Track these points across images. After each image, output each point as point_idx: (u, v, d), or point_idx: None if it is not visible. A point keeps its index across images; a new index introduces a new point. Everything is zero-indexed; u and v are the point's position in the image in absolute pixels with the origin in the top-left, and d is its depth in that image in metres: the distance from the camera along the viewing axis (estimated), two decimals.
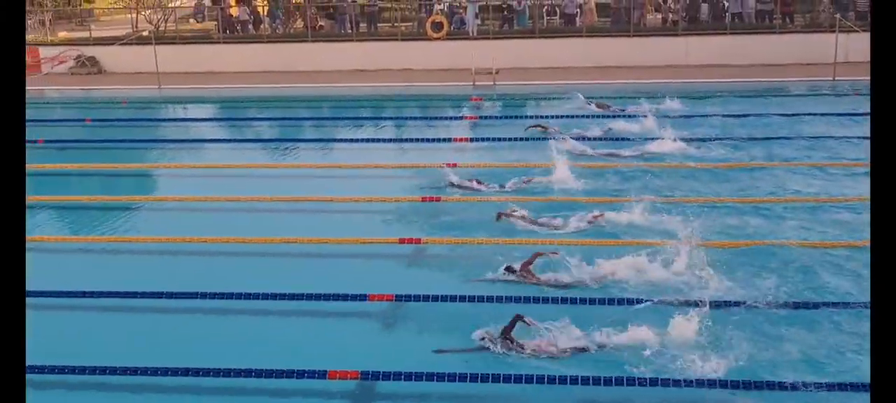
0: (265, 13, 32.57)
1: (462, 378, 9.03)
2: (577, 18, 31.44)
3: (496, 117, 22.25)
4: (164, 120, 24.67)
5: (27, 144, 19.88)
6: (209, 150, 20.29)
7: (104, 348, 10.26)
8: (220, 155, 19.83)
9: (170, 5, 32.35)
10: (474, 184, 15.84)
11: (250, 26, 32.26)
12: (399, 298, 11.17)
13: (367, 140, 20.31)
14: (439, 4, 31.84)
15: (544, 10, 32.14)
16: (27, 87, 26.90)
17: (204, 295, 11.25)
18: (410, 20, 32.78)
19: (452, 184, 15.90)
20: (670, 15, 31.95)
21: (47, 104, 26.89)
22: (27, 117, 21.19)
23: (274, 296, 11.18)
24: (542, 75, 27.43)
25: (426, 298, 11.06)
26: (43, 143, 20.84)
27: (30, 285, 11.79)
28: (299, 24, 32.30)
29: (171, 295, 11.40)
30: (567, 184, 15.69)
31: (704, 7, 30.96)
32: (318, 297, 11.19)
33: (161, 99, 26.46)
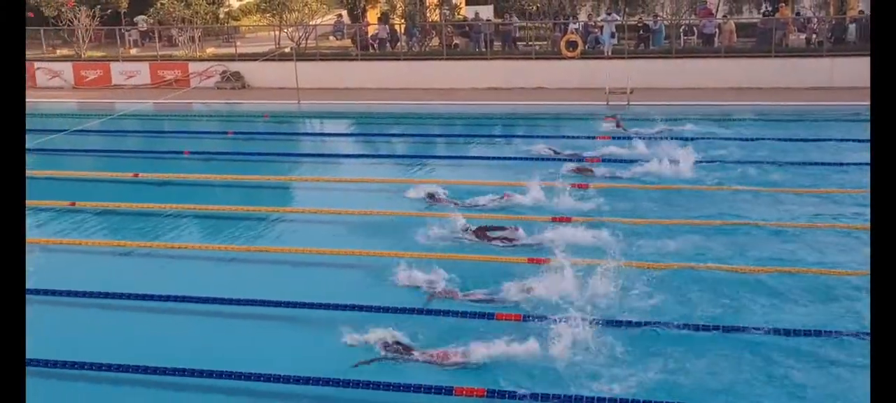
0: (402, 31, 33.14)
1: None
2: (716, 38, 30.76)
3: (628, 138, 21.97)
4: (302, 134, 25.40)
5: (175, 155, 20.96)
6: (344, 164, 20.77)
7: (243, 353, 10.64)
8: (354, 169, 20.27)
9: (311, 23, 33.28)
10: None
11: (387, 44, 32.88)
12: (526, 317, 11.23)
13: (497, 158, 20.34)
14: (574, 24, 31.70)
15: (681, 29, 31.59)
16: (175, 100, 28.25)
17: (336, 307, 11.53)
18: (545, 39, 32.75)
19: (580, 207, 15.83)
20: (814, 35, 30.88)
21: (194, 117, 28.09)
22: (175, 129, 22.36)
23: (398, 310, 11.34)
24: (678, 96, 26.94)
25: (554, 318, 11.01)
26: (189, 155, 21.80)
27: (174, 290, 12.43)
28: (435, 41, 32.73)
29: (306, 306, 11.73)
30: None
31: (852, 27, 29.78)
32: (447, 313, 11.31)
33: (300, 113, 27.25)
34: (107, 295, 12.68)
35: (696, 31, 31.62)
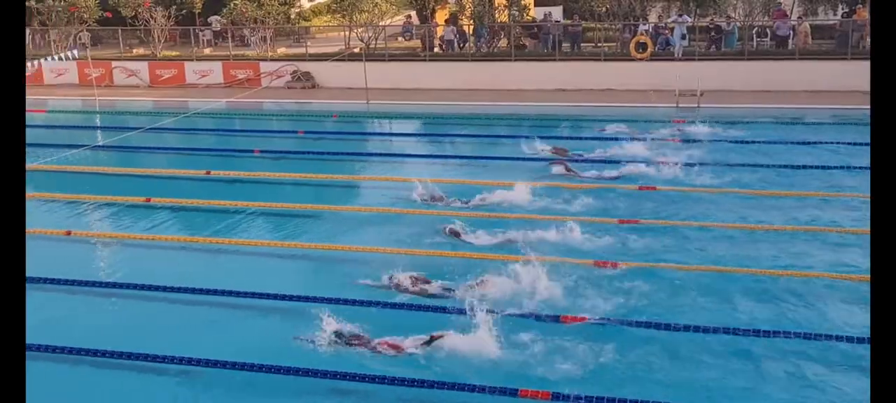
0: (470, 32, 33.21)
1: None
2: (790, 40, 30.19)
3: (698, 140, 21.72)
4: (370, 133, 25.62)
5: (246, 153, 21.26)
6: (411, 164, 20.89)
7: (309, 347, 10.82)
8: (421, 168, 20.37)
9: (380, 24, 33.55)
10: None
11: (455, 45, 32.98)
12: (592, 322, 11.21)
13: (564, 159, 20.24)
14: (644, 25, 31.41)
15: (754, 31, 31.08)
16: (246, 99, 28.73)
17: (411, 307, 11.66)
18: (614, 40, 32.52)
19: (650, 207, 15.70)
20: None
21: (265, 116, 28.53)
22: (246, 128, 22.68)
23: (463, 312, 11.39)
24: (750, 98, 26.53)
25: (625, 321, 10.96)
26: (259, 153, 22.17)
27: (244, 286, 12.66)
28: (503, 42, 32.73)
29: (370, 304, 11.87)
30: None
31: None
32: (516, 315, 11.36)
33: (368, 113, 27.50)
34: (178, 290, 12.98)
35: (769, 33, 31.07)
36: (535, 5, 36.60)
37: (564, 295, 12.23)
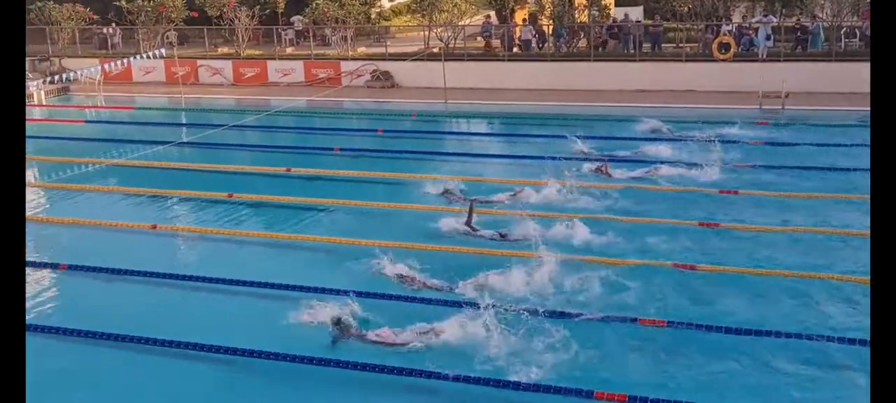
0: (550, 32, 33.08)
1: None
2: None
3: (781, 144, 21.29)
4: (448, 132, 25.68)
5: (326, 151, 21.50)
6: (488, 163, 20.90)
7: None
8: (498, 168, 20.38)
9: (459, 24, 33.65)
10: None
11: (534, 44, 32.88)
12: (671, 324, 11.11)
13: (640, 162, 20.00)
14: (727, 25, 30.87)
15: (842, 31, 30.28)
16: (327, 98, 29.10)
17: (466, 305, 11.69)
18: (696, 41, 32.04)
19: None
20: None
21: (345, 115, 28.86)
22: (326, 126, 22.93)
23: (544, 313, 11.38)
24: (838, 101, 25.87)
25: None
26: (339, 151, 22.44)
27: (322, 282, 12.85)
28: (583, 43, 32.51)
29: (452, 304, 11.94)
30: None
31: None
32: (589, 319, 11.32)
33: (446, 113, 27.59)
34: (259, 285, 13.24)
35: (857, 34, 30.24)
36: (616, 5, 36.27)
37: (642, 297, 12.15)
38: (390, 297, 12.48)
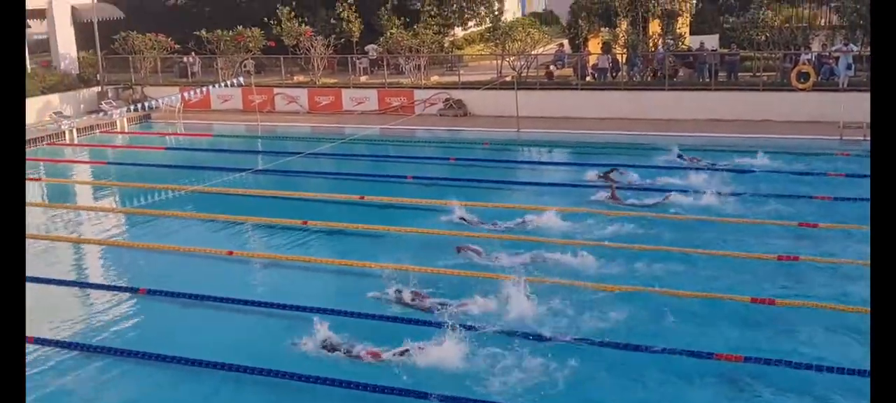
0: (624, 61, 32.89)
1: None
2: None
3: (863, 176, 20.77)
4: (520, 162, 25.63)
5: (399, 179, 21.66)
6: (560, 193, 20.77)
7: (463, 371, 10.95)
8: (571, 198, 20.25)
9: (532, 53, 33.67)
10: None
11: (608, 73, 32.72)
12: (747, 360, 10.90)
13: (718, 193, 19.68)
14: (806, 54, 30.30)
15: None
16: (400, 126, 29.33)
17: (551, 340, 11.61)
18: (773, 70, 31.51)
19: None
20: None
21: (417, 143, 29.06)
22: (399, 154, 23.12)
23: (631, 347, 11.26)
24: None
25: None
26: (412, 179, 22.58)
27: (392, 310, 12.91)
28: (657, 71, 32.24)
29: (527, 336, 11.89)
30: None
31: None
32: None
33: (519, 141, 27.58)
34: (333, 313, 13.36)
35: None
36: (691, 34, 35.92)
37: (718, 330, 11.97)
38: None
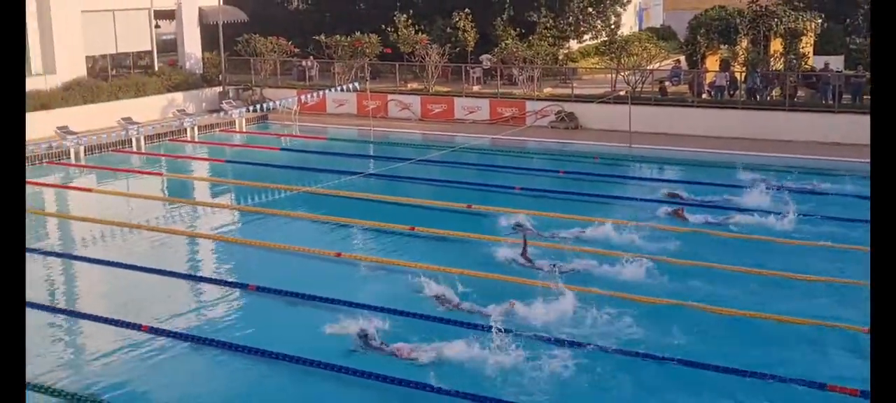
0: (743, 79, 32.11)
1: None
2: None
3: None
4: (630, 177, 25.27)
5: (507, 190, 21.65)
6: (667, 209, 20.38)
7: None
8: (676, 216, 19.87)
9: (648, 68, 33.19)
10: None
11: (726, 91, 31.99)
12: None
13: (833, 219, 19.01)
14: None
15: None
16: (511, 137, 29.32)
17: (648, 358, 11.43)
18: None
19: None
20: None
21: (527, 154, 28.99)
22: (508, 164, 23.13)
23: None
24: None
25: None
26: (520, 190, 22.55)
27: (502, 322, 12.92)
28: (777, 91, 31.34)
29: (624, 352, 11.74)
30: None
31: None
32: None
33: (630, 157, 27.20)
34: (438, 320, 13.45)
35: None
36: (815, 54, 34.81)
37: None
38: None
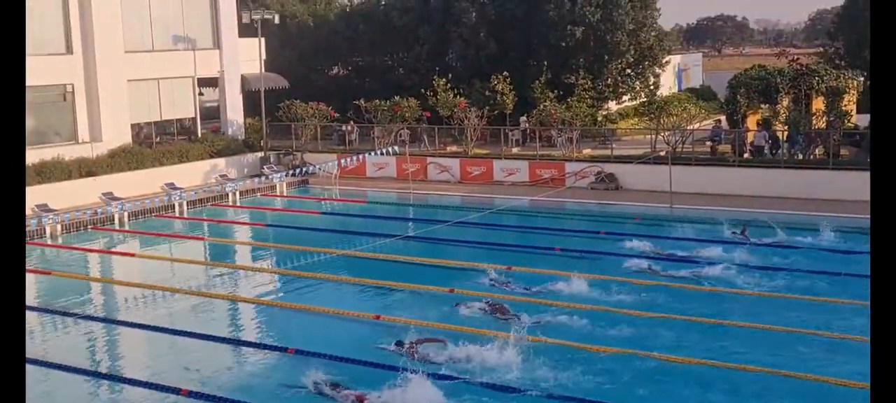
0: (784, 138, 31.84)
1: None
2: None
3: None
4: (672, 238, 24.95)
5: (547, 251, 21.52)
6: (714, 272, 20.12)
7: None
8: (725, 277, 19.58)
9: (688, 128, 33.06)
10: None
11: (767, 151, 31.72)
12: None
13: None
14: None
15: None
16: (550, 198, 29.25)
17: None
18: None
19: None
20: None
21: (567, 215, 28.87)
22: (548, 226, 23.02)
23: None
24: None
25: None
26: (560, 251, 22.42)
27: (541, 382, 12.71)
28: (820, 150, 31.01)
29: None
30: None
31: None
32: None
33: (671, 217, 26.96)
34: (482, 386, 13.33)
35: None
36: (858, 112, 34.47)
37: None
38: None
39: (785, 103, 33.15)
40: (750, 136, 32.78)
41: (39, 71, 31.21)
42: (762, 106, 35.29)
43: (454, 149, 36.74)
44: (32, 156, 30.07)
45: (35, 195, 28.02)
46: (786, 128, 32.11)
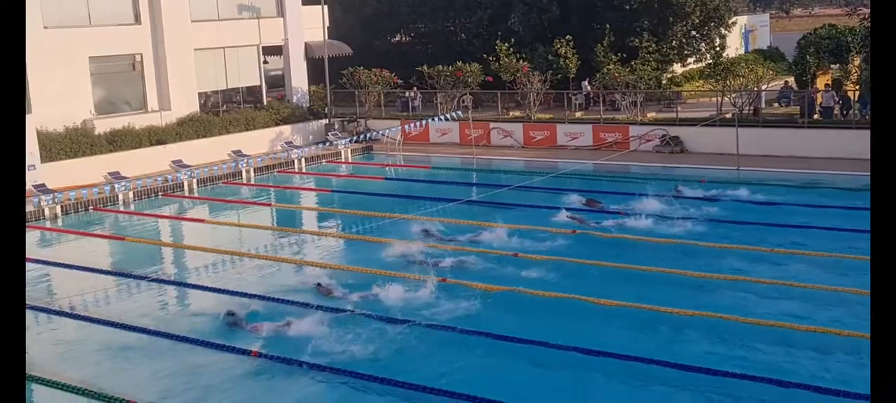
0: (856, 99, 31.10)
1: None
2: None
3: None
4: (738, 201, 24.61)
5: (612, 216, 21.42)
6: (783, 234, 19.85)
7: None
8: (798, 239, 19.32)
9: (755, 89, 32.46)
10: None
11: (835, 111, 31.01)
12: None
13: None
14: None
15: None
16: (613, 162, 29.05)
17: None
18: None
19: None
20: None
21: (631, 178, 28.65)
22: (613, 190, 22.97)
23: None
24: None
25: None
26: (624, 214, 22.33)
27: (594, 345, 12.76)
28: None
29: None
30: None
31: None
32: None
33: (738, 180, 26.56)
34: (541, 344, 13.41)
35: None
36: None
37: None
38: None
39: (856, 62, 32.32)
40: (819, 98, 32.07)
41: (109, 41, 31.96)
42: (832, 66, 34.46)
43: (517, 114, 36.64)
44: (103, 125, 30.85)
45: (107, 163, 28.80)
46: (857, 87, 31.34)
